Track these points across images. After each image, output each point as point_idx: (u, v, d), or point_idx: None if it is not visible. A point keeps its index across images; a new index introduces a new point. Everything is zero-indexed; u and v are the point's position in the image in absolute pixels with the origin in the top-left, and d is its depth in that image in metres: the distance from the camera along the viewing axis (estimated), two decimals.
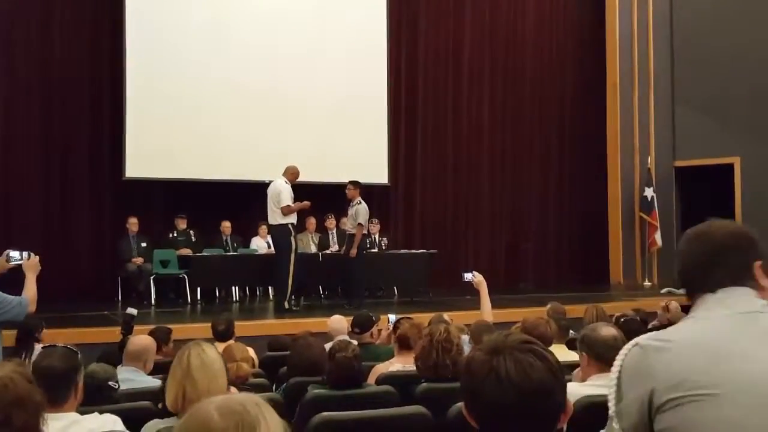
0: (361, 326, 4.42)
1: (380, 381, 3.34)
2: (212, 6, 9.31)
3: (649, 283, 11.02)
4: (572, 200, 11.58)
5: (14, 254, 3.46)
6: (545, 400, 1.16)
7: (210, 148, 9.05)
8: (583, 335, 2.75)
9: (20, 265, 3.45)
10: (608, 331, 2.70)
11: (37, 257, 3.48)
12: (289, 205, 7.43)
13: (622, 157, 11.46)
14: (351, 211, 7.91)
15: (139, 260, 8.42)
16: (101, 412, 2.34)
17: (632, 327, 3.89)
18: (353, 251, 7.75)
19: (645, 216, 11.17)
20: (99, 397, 2.59)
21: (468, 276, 4.42)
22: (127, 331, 4.48)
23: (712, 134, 10.99)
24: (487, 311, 4.25)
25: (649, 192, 11.12)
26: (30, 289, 3.37)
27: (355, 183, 7.99)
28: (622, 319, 4.25)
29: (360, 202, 7.87)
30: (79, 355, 2.42)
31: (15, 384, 1.54)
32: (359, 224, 7.79)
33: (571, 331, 4.33)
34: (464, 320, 4.79)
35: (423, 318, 4.49)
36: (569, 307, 5.47)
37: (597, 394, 2.57)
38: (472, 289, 4.63)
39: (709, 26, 11.09)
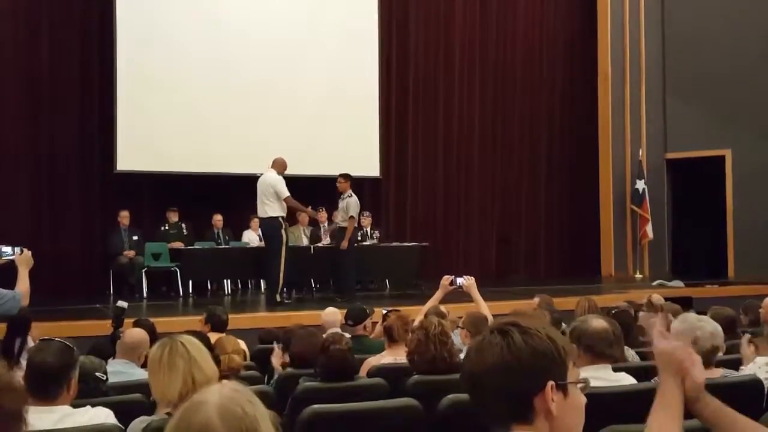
0: (354, 318, 4.43)
1: (371, 374, 3.36)
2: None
3: (641, 276, 11.08)
4: (563, 192, 11.61)
5: (6, 249, 3.45)
6: (494, 380, 1.19)
7: (201, 141, 9.02)
8: (573, 327, 2.77)
9: (12, 261, 3.44)
10: (599, 323, 2.72)
11: (30, 252, 3.47)
12: (290, 196, 7.42)
13: (613, 149, 11.49)
14: (342, 204, 7.90)
15: (131, 253, 8.40)
16: (93, 406, 2.34)
17: (624, 319, 3.91)
18: (344, 244, 7.75)
19: (636, 208, 11.21)
20: (86, 389, 2.58)
21: (460, 281, 4.42)
22: (118, 324, 4.47)
23: (703, 126, 11.03)
24: (486, 312, 4.24)
25: (640, 184, 11.16)
26: (23, 284, 3.37)
27: (345, 176, 7.97)
28: (613, 311, 4.27)
29: (351, 195, 7.86)
30: (74, 351, 2.41)
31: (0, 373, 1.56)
32: (351, 217, 7.79)
33: (563, 324, 4.35)
34: (456, 312, 4.80)
35: (415, 311, 4.49)
36: (561, 299, 5.50)
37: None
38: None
39: (701, 18, 11.12)
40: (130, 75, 8.73)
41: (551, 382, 1.18)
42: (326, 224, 9.19)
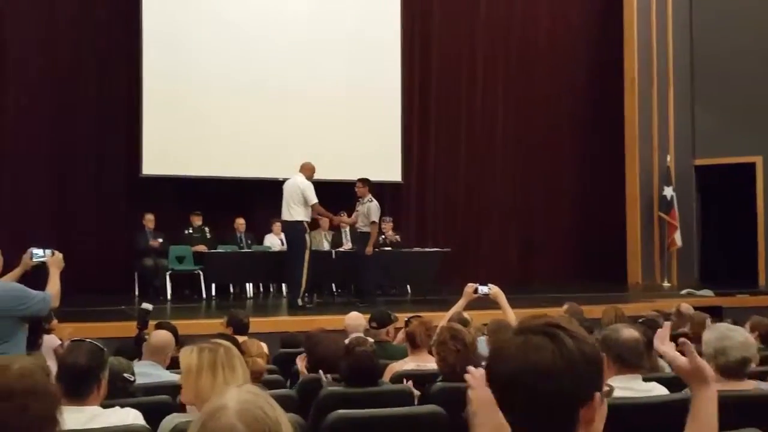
0: (378, 321, 4.42)
1: (395, 380, 3.34)
2: (227, 4, 9.33)
3: (669, 284, 10.88)
4: (589, 199, 11.45)
5: (38, 251, 3.51)
6: (544, 384, 1.09)
7: (224, 145, 9.09)
8: (603, 336, 2.72)
9: (44, 262, 3.50)
10: (630, 333, 2.66)
11: (61, 254, 3.52)
12: (317, 203, 7.43)
13: (640, 155, 11.31)
14: (362, 209, 7.86)
15: (157, 242, 8.47)
16: (122, 407, 2.37)
17: (653, 328, 3.83)
18: (369, 249, 7.73)
19: (664, 215, 11.03)
20: (113, 389, 2.61)
21: (483, 289, 4.35)
22: (143, 326, 4.50)
23: (733, 132, 10.82)
24: (513, 321, 4.18)
25: (668, 191, 10.98)
26: (54, 285, 3.42)
27: (364, 180, 7.94)
28: (640, 320, 4.20)
29: (371, 200, 7.84)
30: (105, 352, 2.44)
31: (32, 375, 1.58)
32: (373, 222, 7.76)
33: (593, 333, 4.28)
34: (481, 319, 4.76)
35: (437, 317, 4.46)
36: (586, 307, 5.41)
37: (615, 396, 2.54)
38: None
39: (730, 21, 10.93)
40: (155, 81, 8.83)
41: (598, 393, 1.12)
42: (347, 229, 9.18)
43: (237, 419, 0.99)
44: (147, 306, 4.61)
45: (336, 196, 8.64)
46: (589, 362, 1.12)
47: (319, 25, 9.64)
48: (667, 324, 1.72)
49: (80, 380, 2.27)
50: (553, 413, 1.11)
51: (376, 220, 7.82)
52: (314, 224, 8.68)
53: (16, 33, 8.64)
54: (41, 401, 1.52)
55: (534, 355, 1.11)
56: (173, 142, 8.88)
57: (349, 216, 8.31)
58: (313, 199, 7.42)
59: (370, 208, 7.77)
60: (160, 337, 3.57)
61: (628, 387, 2.59)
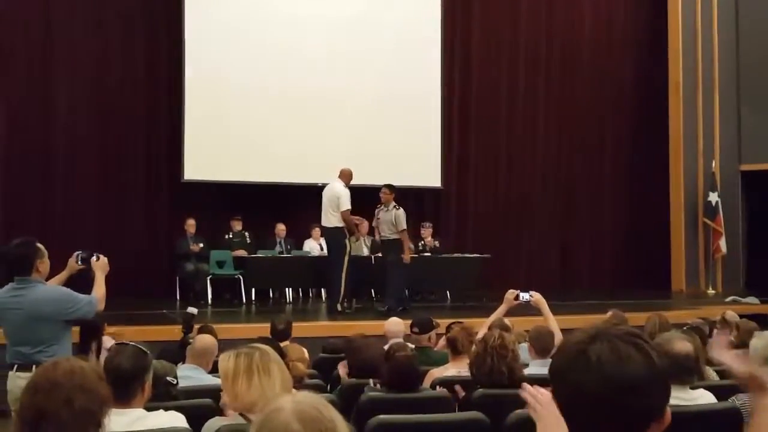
0: (420, 327, 4.40)
1: (435, 386, 3.32)
2: (268, 10, 9.45)
3: (713, 291, 10.62)
4: (632, 204, 11.24)
5: (83, 255, 3.60)
6: (635, 398, 1.05)
7: (265, 151, 9.19)
8: (656, 344, 2.65)
9: (89, 266, 3.59)
10: (684, 346, 2.58)
11: (106, 258, 3.61)
12: (349, 210, 7.45)
13: (685, 160, 11.06)
14: (387, 216, 7.75)
15: (197, 247, 8.58)
16: (166, 410, 2.40)
17: (700, 336, 3.74)
18: (407, 257, 7.68)
19: (709, 222, 10.77)
20: (157, 392, 2.65)
21: (525, 296, 4.30)
22: (188, 330, 4.56)
23: None
24: (555, 329, 4.12)
25: (713, 197, 10.72)
26: (99, 289, 3.50)
27: (390, 187, 7.86)
28: (685, 327, 4.10)
29: (397, 208, 7.72)
30: (148, 355, 2.48)
31: (83, 372, 1.62)
32: (404, 230, 7.69)
33: None
34: (523, 326, 4.70)
35: (477, 323, 4.42)
36: (629, 314, 5.30)
37: None
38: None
39: None
40: (197, 86, 8.99)
41: (668, 408, 1.10)
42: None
43: (293, 418, 1.01)
44: (192, 310, 4.67)
45: (376, 201, 8.66)
46: (665, 375, 1.11)
47: (359, 30, 9.68)
48: (725, 337, 1.69)
49: (125, 383, 2.31)
50: (629, 427, 1.07)
51: (406, 227, 7.76)
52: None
53: (63, 39, 8.89)
54: (87, 398, 1.56)
55: (626, 366, 1.06)
56: (215, 147, 9.03)
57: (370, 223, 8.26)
58: (345, 206, 7.42)
59: (398, 216, 7.68)
60: (204, 341, 3.62)
61: (675, 396, 2.53)
